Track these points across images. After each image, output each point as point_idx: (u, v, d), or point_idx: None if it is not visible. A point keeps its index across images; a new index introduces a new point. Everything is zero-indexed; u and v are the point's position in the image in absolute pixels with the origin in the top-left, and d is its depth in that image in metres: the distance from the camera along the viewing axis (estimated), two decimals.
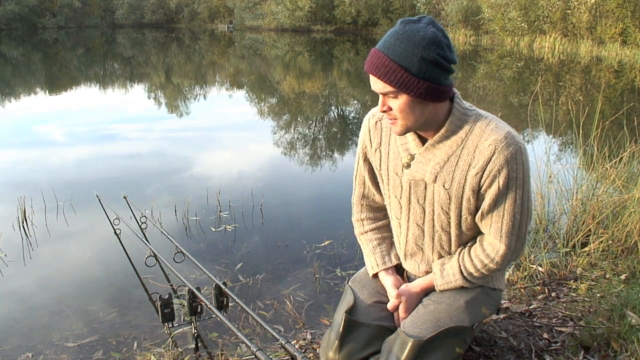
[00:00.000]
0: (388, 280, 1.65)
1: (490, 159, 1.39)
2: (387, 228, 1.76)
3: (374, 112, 1.61)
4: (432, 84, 1.32)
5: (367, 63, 1.36)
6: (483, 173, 1.41)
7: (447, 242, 1.56)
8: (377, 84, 1.36)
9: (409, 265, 1.67)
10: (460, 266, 1.54)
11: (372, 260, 1.70)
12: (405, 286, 1.62)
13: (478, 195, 1.45)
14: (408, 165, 1.50)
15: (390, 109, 1.38)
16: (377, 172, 1.64)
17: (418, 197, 1.52)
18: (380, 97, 1.39)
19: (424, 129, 1.45)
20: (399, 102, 1.36)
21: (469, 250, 1.54)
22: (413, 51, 1.29)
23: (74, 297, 2.76)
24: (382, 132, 1.58)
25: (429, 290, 1.62)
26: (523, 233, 1.49)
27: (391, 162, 1.56)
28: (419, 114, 1.38)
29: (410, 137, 1.50)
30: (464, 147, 1.42)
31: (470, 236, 1.56)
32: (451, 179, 1.45)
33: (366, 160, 1.66)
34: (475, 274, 1.53)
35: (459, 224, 1.51)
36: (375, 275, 1.70)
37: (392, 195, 1.59)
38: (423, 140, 1.49)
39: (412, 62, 1.30)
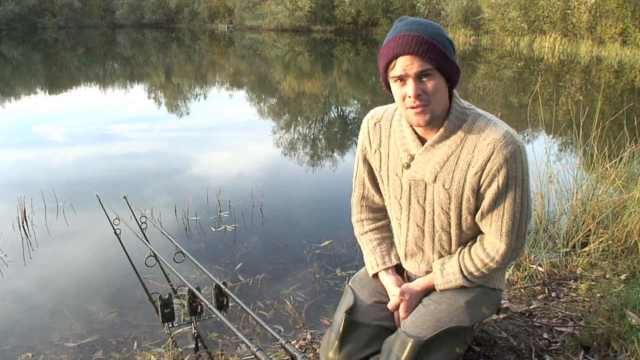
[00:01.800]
0: (388, 280, 1.65)
1: (489, 158, 1.39)
2: (387, 228, 1.76)
3: (373, 114, 1.61)
4: (459, 68, 1.37)
5: (399, 46, 1.32)
6: (482, 172, 1.41)
7: (447, 242, 1.56)
8: (413, 64, 1.32)
9: (409, 265, 1.67)
10: (460, 265, 1.54)
11: (372, 260, 1.70)
12: (406, 285, 1.62)
13: (478, 195, 1.45)
14: (408, 166, 1.50)
15: (423, 92, 1.35)
16: (377, 173, 1.64)
17: (418, 198, 1.52)
18: (412, 82, 1.34)
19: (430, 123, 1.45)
20: (433, 83, 1.34)
21: (469, 249, 1.54)
22: (441, 34, 1.34)
23: (74, 297, 2.76)
24: (382, 133, 1.58)
25: (429, 290, 1.62)
26: (523, 232, 1.50)
27: (391, 163, 1.56)
28: (444, 100, 1.40)
29: (410, 137, 1.50)
30: (463, 147, 1.42)
31: (470, 236, 1.56)
32: (451, 179, 1.45)
33: (365, 161, 1.66)
34: (476, 274, 1.53)
35: (459, 224, 1.51)
36: (375, 276, 1.70)
37: (392, 196, 1.59)
38: (422, 141, 1.49)
39: (444, 44, 1.33)
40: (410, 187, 1.52)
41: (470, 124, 1.43)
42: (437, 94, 1.36)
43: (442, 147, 1.45)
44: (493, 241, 1.50)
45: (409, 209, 1.56)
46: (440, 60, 1.32)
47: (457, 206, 1.47)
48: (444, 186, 1.46)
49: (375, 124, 1.59)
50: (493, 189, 1.41)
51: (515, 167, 1.39)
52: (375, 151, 1.60)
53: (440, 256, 1.60)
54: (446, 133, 1.43)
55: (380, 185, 1.65)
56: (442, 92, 1.38)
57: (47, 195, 4.04)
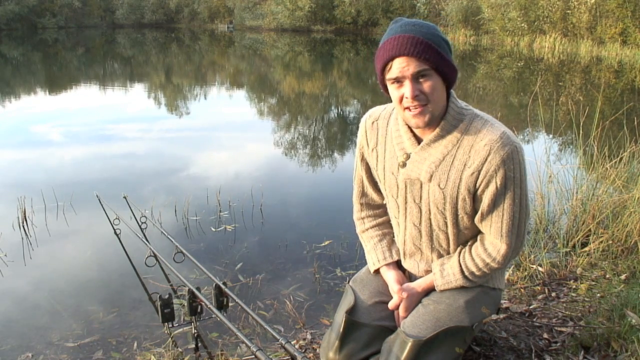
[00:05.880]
0: (390, 275, 1.65)
1: (486, 159, 1.39)
2: (389, 224, 1.76)
3: (371, 113, 1.62)
4: (455, 68, 1.38)
5: (394, 48, 1.32)
6: (479, 173, 1.41)
7: (445, 241, 1.56)
8: (410, 65, 1.33)
9: (408, 265, 1.67)
10: (461, 265, 1.54)
11: (374, 256, 1.70)
12: (406, 284, 1.62)
13: (475, 196, 1.45)
14: (404, 164, 1.51)
15: (421, 92, 1.35)
16: (374, 172, 1.64)
17: (414, 197, 1.53)
18: (409, 83, 1.35)
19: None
20: (430, 83, 1.35)
21: (470, 249, 1.55)
22: (437, 34, 1.34)
23: (73, 297, 2.76)
24: (379, 132, 1.59)
25: (429, 290, 1.62)
26: (522, 231, 1.50)
27: (387, 162, 1.56)
28: (442, 100, 1.40)
29: (406, 135, 1.50)
30: (459, 147, 1.43)
31: (468, 235, 1.56)
32: (446, 179, 1.45)
33: (363, 160, 1.67)
34: (477, 273, 1.53)
35: (455, 223, 1.51)
36: (377, 272, 1.70)
37: (389, 195, 1.60)
38: (419, 140, 1.49)
39: (440, 44, 1.34)
40: (406, 186, 1.53)
41: (467, 124, 1.43)
42: (434, 94, 1.36)
43: (438, 147, 1.45)
44: (494, 241, 1.50)
45: (406, 208, 1.56)
46: (436, 60, 1.32)
47: (453, 206, 1.48)
48: (439, 186, 1.46)
49: (372, 123, 1.60)
50: (491, 190, 1.42)
51: (513, 168, 1.40)
52: (373, 150, 1.61)
53: (439, 255, 1.60)
54: (442, 132, 1.44)
55: (379, 184, 1.66)
56: (440, 92, 1.38)
57: (47, 195, 4.03)
